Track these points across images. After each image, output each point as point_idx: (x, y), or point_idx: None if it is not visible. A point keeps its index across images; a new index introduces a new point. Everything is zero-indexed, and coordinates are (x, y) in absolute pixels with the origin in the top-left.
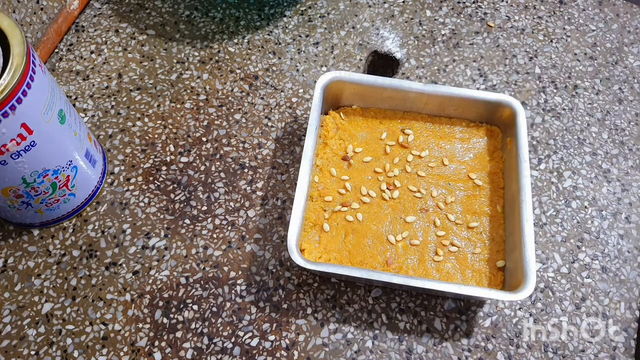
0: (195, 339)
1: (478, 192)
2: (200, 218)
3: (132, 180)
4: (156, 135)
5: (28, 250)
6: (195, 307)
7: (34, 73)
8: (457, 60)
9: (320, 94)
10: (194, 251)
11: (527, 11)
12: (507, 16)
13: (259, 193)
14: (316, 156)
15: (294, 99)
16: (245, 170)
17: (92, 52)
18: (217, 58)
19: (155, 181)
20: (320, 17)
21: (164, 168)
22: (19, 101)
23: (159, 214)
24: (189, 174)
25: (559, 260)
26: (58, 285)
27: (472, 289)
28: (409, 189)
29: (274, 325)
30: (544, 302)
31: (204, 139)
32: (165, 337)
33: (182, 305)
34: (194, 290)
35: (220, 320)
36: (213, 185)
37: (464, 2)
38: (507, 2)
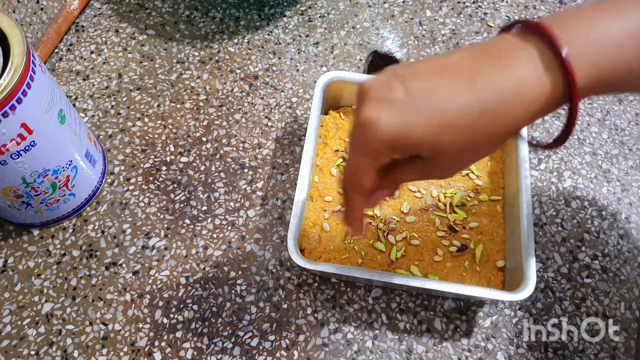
0: (195, 339)
1: (478, 192)
2: (200, 218)
3: (132, 180)
4: (156, 135)
5: (28, 250)
6: (195, 307)
7: (34, 73)
8: None
9: (320, 94)
10: (194, 251)
11: (527, 11)
12: (507, 16)
13: (259, 193)
14: (316, 156)
15: (294, 99)
16: (245, 170)
17: (92, 52)
18: (217, 58)
19: (155, 181)
20: (320, 17)
21: (164, 168)
22: (19, 101)
23: (159, 214)
24: (189, 174)
25: (559, 260)
26: (58, 285)
27: (472, 289)
28: (409, 188)
29: (274, 325)
30: (544, 302)
31: (204, 139)
32: (165, 337)
33: (182, 305)
34: (194, 290)
35: (220, 320)
36: (213, 185)
37: (464, 2)
38: (507, 2)
